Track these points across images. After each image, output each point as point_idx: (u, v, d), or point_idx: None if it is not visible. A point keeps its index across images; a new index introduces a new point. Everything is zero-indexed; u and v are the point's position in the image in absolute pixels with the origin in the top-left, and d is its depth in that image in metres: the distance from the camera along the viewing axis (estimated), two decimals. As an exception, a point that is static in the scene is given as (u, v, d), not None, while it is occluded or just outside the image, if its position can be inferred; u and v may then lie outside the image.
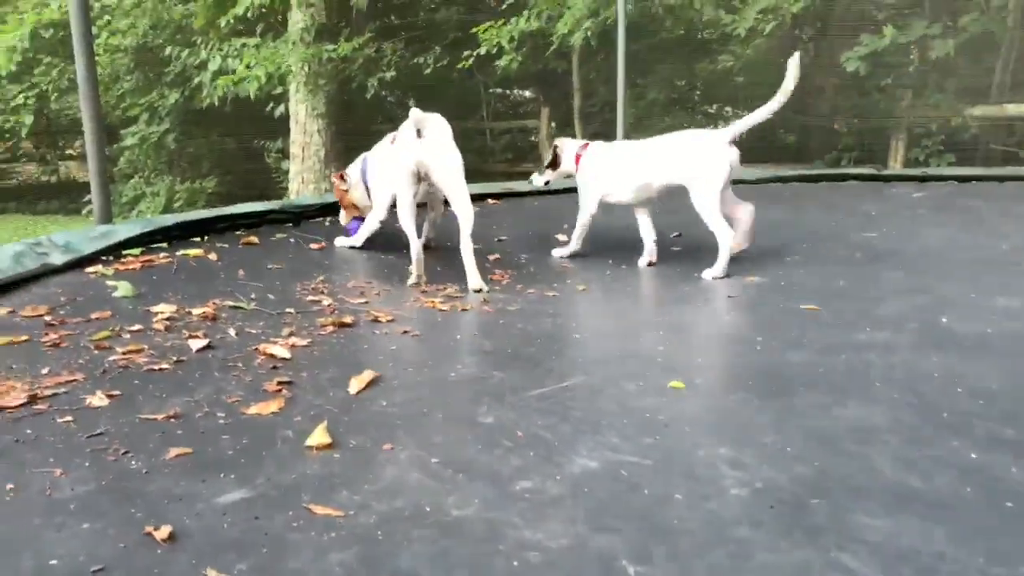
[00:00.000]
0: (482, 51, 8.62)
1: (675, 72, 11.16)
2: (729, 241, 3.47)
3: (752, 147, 11.22)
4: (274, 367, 2.32)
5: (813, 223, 4.77)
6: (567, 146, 3.94)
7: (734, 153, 3.54)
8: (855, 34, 8.90)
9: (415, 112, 3.34)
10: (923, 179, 6.30)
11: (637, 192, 3.71)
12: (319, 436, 1.85)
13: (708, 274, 3.46)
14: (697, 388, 2.19)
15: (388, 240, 4.14)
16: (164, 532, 1.44)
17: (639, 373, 2.30)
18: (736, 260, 3.56)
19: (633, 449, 1.81)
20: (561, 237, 4.25)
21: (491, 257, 3.88)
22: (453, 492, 1.62)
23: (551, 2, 8.25)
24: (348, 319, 2.79)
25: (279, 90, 9.43)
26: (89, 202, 4.52)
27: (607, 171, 3.78)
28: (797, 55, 3.54)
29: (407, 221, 3.40)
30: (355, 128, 10.33)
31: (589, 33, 8.09)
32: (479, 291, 3.24)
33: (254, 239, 4.08)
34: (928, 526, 1.47)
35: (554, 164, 3.99)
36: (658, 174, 3.63)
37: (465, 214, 3.36)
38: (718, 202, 3.49)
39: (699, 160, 3.53)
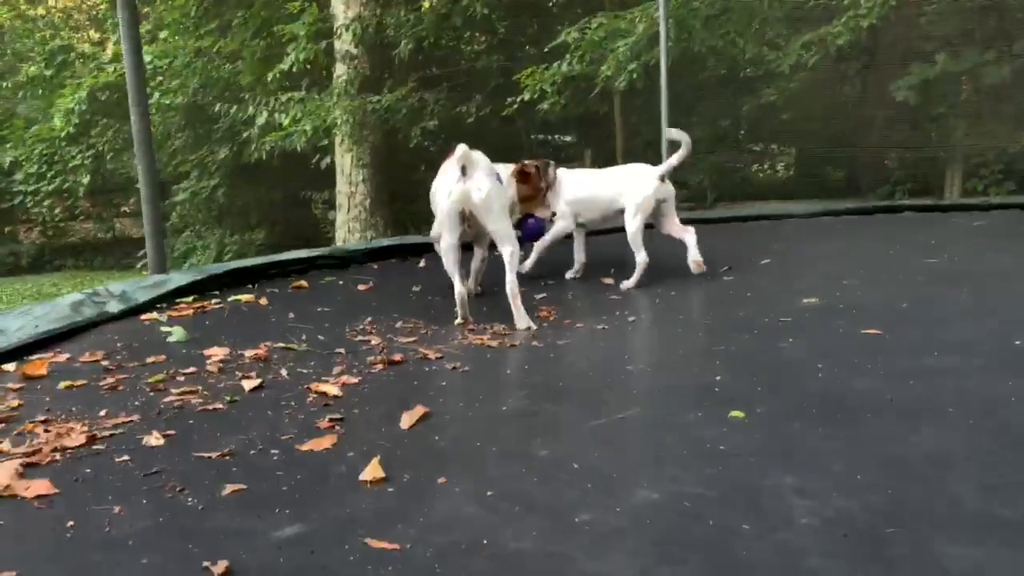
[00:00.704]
0: (525, 97, 8.69)
1: (719, 110, 11.14)
2: (644, 262, 4.00)
3: (798, 184, 11.09)
4: (326, 404, 2.31)
5: (869, 252, 4.65)
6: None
7: (666, 187, 4.14)
8: (904, 64, 8.75)
9: (461, 148, 3.34)
10: (984, 208, 6.09)
11: (601, 213, 4.24)
12: (373, 470, 1.82)
13: (624, 285, 4.00)
14: (758, 417, 2.11)
15: (435, 281, 4.14)
16: (221, 567, 1.43)
17: (697, 403, 2.24)
18: (787, 282, 3.50)
19: (695, 480, 1.75)
20: (607, 280, 4.20)
21: (537, 296, 3.85)
22: (510, 525, 1.58)
23: (592, 45, 8.30)
24: (397, 357, 2.78)
25: (324, 142, 9.62)
26: (143, 256, 4.64)
27: (577, 194, 4.25)
28: (672, 131, 4.31)
29: (450, 262, 3.40)
30: (399, 176, 10.49)
31: (635, 76, 8.10)
32: (527, 330, 3.21)
33: (303, 283, 4.13)
34: (1017, 554, 1.39)
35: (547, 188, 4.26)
36: (608, 199, 4.20)
37: (509, 253, 3.35)
38: (641, 227, 4.05)
39: (633, 190, 4.10)
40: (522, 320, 3.25)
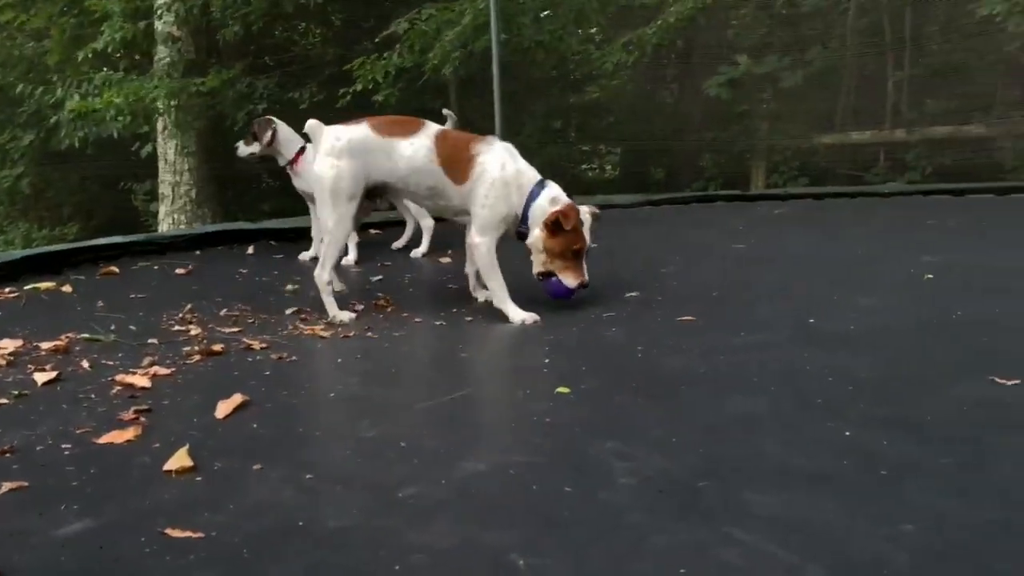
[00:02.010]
0: (358, 87, 8.52)
1: (550, 108, 11.41)
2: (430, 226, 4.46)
3: (624, 183, 11.59)
4: (132, 396, 2.14)
5: (686, 238, 4.93)
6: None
7: None
8: (714, 66, 9.38)
9: (312, 123, 3.18)
10: (784, 197, 6.67)
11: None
12: (179, 460, 1.69)
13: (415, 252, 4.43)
14: (583, 393, 2.14)
15: (265, 269, 3.99)
16: (-11, 572, 1.27)
17: (526, 383, 2.25)
18: (614, 278, 3.61)
19: (521, 450, 1.76)
20: (444, 260, 4.24)
21: (373, 279, 3.80)
22: (330, 504, 1.52)
23: (420, 36, 8.25)
24: (218, 347, 2.60)
25: (145, 128, 9.01)
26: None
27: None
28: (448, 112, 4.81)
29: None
30: (229, 166, 9.99)
31: (458, 63, 8.14)
32: (341, 324, 3.01)
33: (114, 269, 3.82)
34: (813, 498, 1.48)
35: None
36: None
37: (326, 244, 3.16)
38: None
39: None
40: (332, 309, 3.08)
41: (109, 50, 8.76)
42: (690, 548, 1.32)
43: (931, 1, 8.72)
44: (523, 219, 3.09)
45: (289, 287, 3.73)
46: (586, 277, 3.03)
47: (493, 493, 1.56)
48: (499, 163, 3.08)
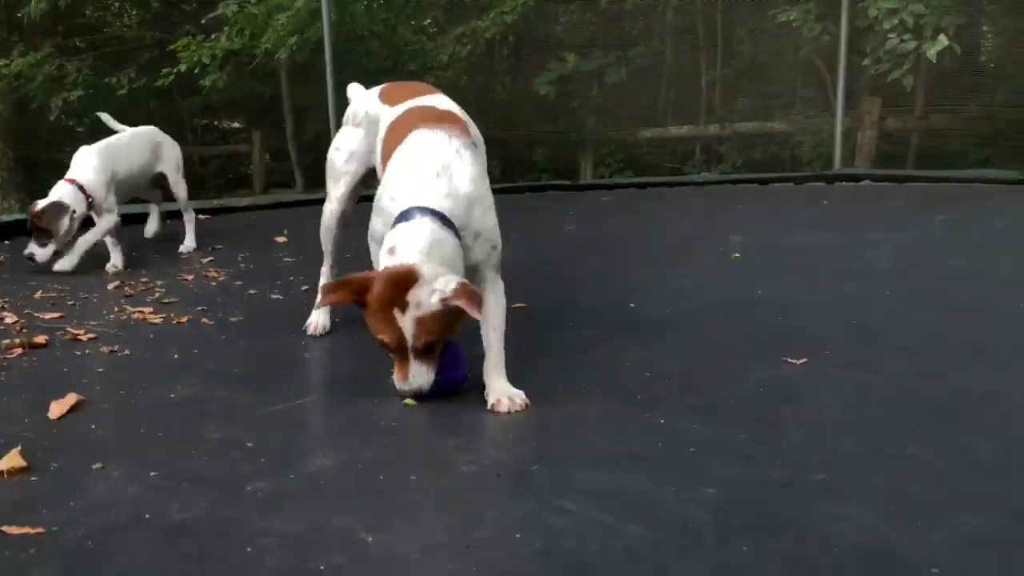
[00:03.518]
0: (182, 68, 8.15)
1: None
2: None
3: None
4: (-54, 398, 2.03)
5: (516, 223, 5.10)
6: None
7: None
8: (544, 61, 9.70)
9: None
10: (610, 187, 7.10)
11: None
12: (11, 460, 1.65)
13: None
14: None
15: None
16: None
17: (376, 391, 2.17)
18: None
19: (369, 448, 1.81)
20: (279, 239, 4.34)
21: (204, 260, 3.75)
22: (176, 499, 1.54)
23: (248, 19, 8.00)
24: (41, 339, 2.48)
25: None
26: None
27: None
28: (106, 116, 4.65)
29: None
30: (40, 155, 9.27)
31: (295, 49, 7.96)
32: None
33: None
34: (631, 474, 1.66)
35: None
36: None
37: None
38: None
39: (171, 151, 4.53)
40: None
41: None
42: (524, 518, 1.46)
43: (738, 5, 9.40)
44: None
45: (109, 267, 3.62)
46: (414, 382, 2.01)
47: (340, 485, 1.63)
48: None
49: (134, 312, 2.78)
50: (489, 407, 2.04)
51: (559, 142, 10.22)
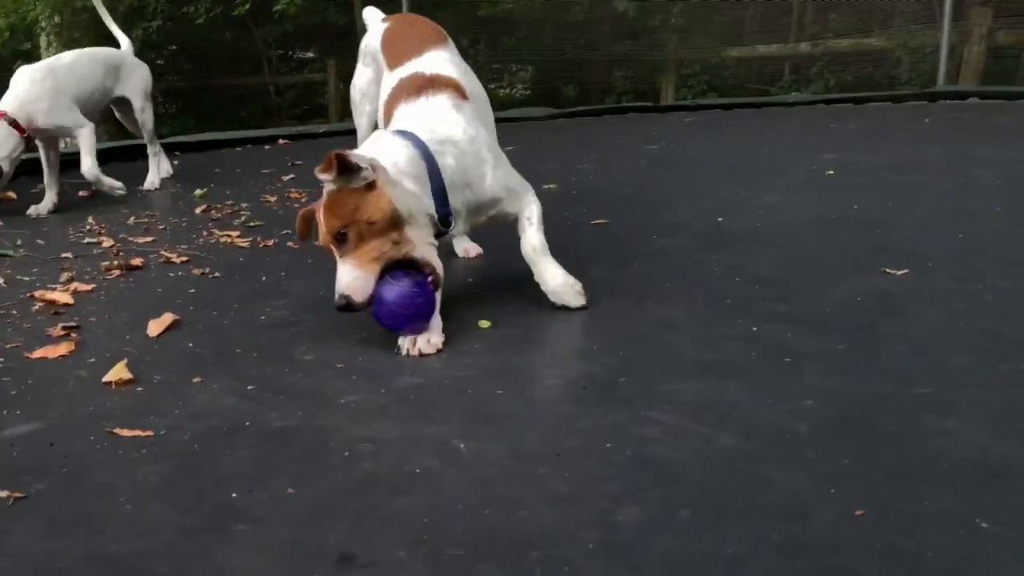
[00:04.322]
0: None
1: (458, 20, 11.18)
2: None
3: (536, 102, 11.55)
4: (56, 313, 2.12)
5: (600, 141, 5.06)
6: None
7: None
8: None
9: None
10: (693, 108, 6.85)
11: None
12: (118, 372, 1.72)
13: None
14: (508, 313, 2.10)
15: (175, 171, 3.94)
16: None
17: (457, 317, 2.14)
18: (527, 166, 3.66)
19: (455, 367, 1.81)
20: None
21: (286, 178, 3.81)
22: (274, 409, 1.58)
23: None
24: (137, 261, 2.56)
25: (27, 45, 8.47)
26: None
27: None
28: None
29: None
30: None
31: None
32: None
33: (11, 195, 3.67)
34: (723, 384, 1.62)
35: None
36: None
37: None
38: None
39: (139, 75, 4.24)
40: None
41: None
42: (614, 428, 1.45)
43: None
44: None
45: (197, 192, 3.71)
46: (340, 290, 1.81)
47: (430, 399, 1.63)
48: None
49: (222, 236, 2.84)
50: (559, 302, 2.04)
51: (639, 63, 9.91)
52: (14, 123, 3.46)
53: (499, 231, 2.26)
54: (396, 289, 1.81)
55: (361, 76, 2.58)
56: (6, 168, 3.43)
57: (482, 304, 2.27)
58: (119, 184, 3.66)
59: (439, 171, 1.91)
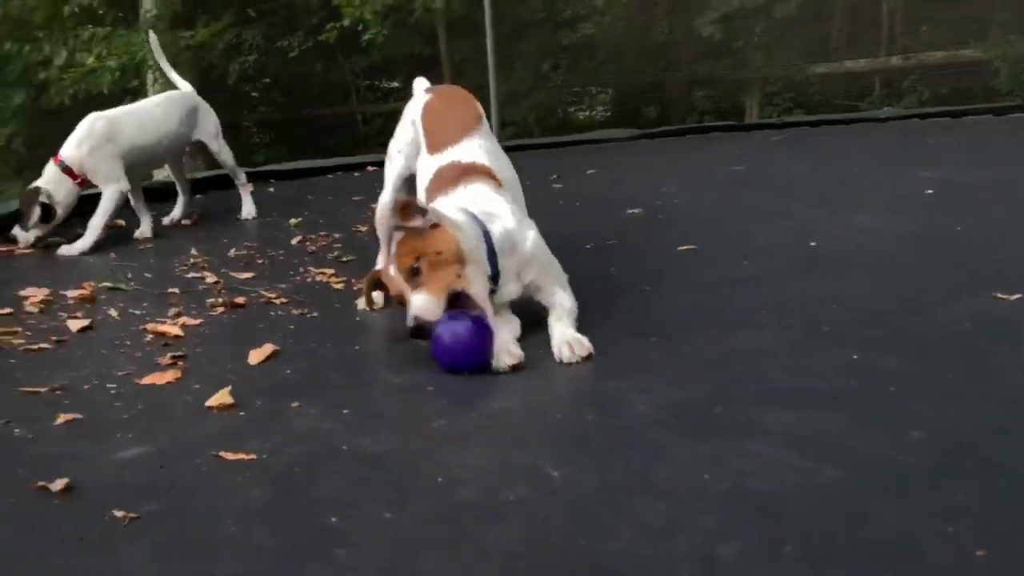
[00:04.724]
0: (345, 22, 8.41)
1: (540, 48, 11.28)
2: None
3: (616, 123, 11.53)
4: (165, 344, 2.21)
5: (683, 162, 5.00)
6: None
7: None
8: (706, 1, 9.26)
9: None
10: (780, 126, 6.72)
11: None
12: (222, 397, 1.77)
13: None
14: (594, 338, 2.03)
15: (263, 208, 4.05)
16: (60, 484, 1.38)
17: (538, 331, 2.13)
18: (612, 189, 3.66)
19: (543, 389, 1.83)
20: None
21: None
22: (368, 435, 1.60)
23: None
24: (240, 300, 2.63)
25: (135, 83, 8.94)
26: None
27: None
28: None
29: None
30: (222, 121, 9.93)
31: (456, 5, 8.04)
32: None
33: (120, 222, 3.86)
34: (823, 414, 1.56)
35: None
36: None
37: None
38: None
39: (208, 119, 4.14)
40: None
41: (94, 4, 8.64)
42: (709, 459, 1.41)
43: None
44: None
45: (292, 222, 3.82)
46: (412, 313, 1.91)
47: (520, 422, 1.64)
48: None
49: (317, 273, 2.93)
50: (557, 358, 1.95)
51: (721, 82, 9.79)
52: (67, 169, 3.47)
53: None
54: (455, 326, 1.87)
55: (402, 134, 2.70)
56: (59, 212, 3.44)
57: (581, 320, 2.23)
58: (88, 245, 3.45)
59: (489, 235, 2.06)
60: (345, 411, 1.71)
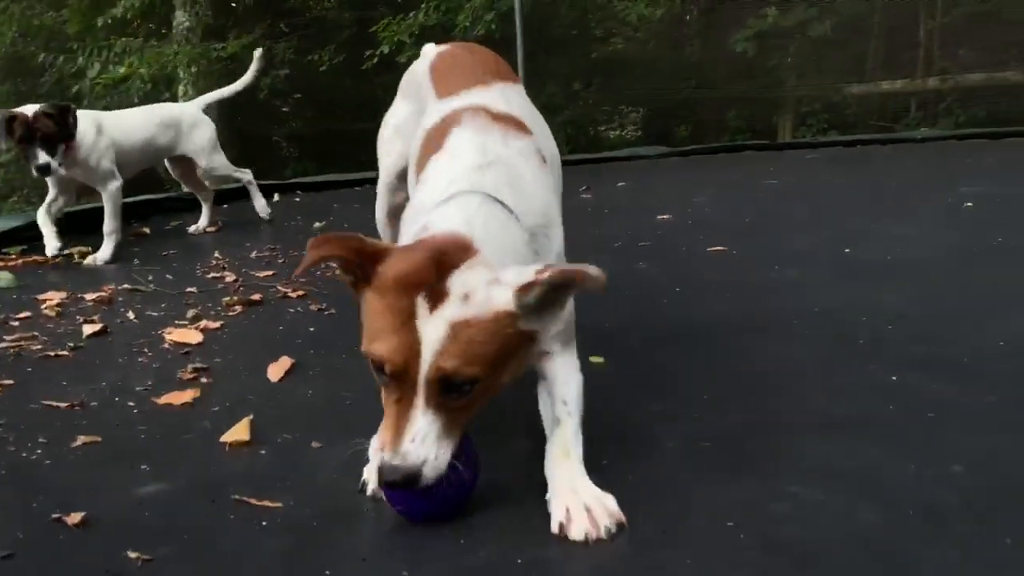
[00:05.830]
0: (384, 50, 8.46)
1: (571, 65, 11.26)
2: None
3: (647, 142, 11.48)
4: (185, 354, 2.16)
5: (715, 176, 4.96)
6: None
7: None
8: (739, 18, 9.23)
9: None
10: (814, 145, 6.69)
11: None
12: (240, 433, 1.66)
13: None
14: (619, 352, 2.02)
15: (291, 212, 4.04)
16: (75, 518, 1.32)
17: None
18: (642, 200, 3.62)
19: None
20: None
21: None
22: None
23: (446, -6, 8.20)
24: (256, 296, 2.62)
25: (166, 95, 9.05)
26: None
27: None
28: (259, 50, 4.43)
29: None
30: (251, 131, 10.03)
31: (493, 26, 8.06)
32: None
33: (145, 230, 3.89)
34: (858, 444, 1.48)
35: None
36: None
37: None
38: None
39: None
40: None
41: (127, 16, 8.76)
42: (740, 503, 1.31)
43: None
44: None
45: (317, 225, 3.81)
46: (409, 456, 1.18)
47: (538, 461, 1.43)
48: None
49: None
50: (555, 527, 1.27)
51: (755, 102, 9.70)
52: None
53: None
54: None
55: (398, 110, 2.09)
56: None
57: (595, 338, 2.14)
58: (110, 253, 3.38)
59: None
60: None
